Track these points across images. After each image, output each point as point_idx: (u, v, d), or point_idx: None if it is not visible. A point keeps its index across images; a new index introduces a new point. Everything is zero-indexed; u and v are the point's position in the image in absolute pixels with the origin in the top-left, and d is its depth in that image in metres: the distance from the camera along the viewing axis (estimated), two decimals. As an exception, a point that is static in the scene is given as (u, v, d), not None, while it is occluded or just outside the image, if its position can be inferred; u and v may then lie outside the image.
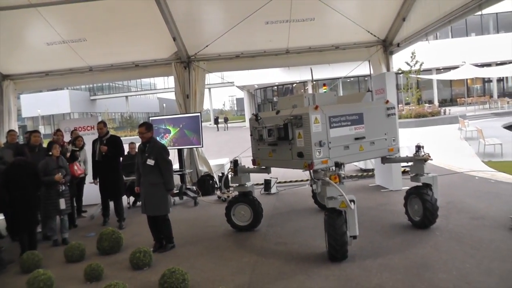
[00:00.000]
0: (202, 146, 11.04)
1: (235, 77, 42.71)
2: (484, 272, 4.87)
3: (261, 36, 10.96)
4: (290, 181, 11.78)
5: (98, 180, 8.90)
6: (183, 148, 11.14)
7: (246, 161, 7.98)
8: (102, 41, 10.75)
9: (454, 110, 34.25)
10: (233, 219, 7.60)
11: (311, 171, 6.26)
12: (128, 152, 10.44)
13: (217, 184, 11.44)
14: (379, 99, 8.91)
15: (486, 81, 44.91)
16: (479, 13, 7.60)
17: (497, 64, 39.05)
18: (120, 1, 9.24)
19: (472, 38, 42.81)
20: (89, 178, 9.73)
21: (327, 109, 6.26)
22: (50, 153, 7.71)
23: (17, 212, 7.01)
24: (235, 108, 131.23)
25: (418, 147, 6.90)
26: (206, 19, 10.78)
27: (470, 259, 5.29)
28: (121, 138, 9.56)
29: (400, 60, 29.84)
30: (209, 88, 63.67)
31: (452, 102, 44.50)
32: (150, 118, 11.74)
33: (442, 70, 40.97)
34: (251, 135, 7.46)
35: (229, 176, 8.12)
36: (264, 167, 7.50)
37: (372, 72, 11.03)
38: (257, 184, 9.09)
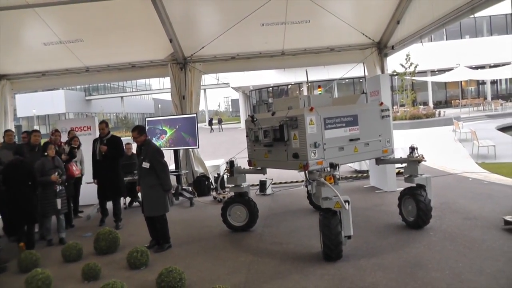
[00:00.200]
0: (198, 147, 11.09)
1: (230, 78, 42.80)
2: (477, 271, 4.96)
3: (257, 38, 11.04)
4: (285, 182, 11.86)
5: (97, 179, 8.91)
6: (179, 149, 11.19)
7: (242, 162, 8.06)
8: (99, 41, 10.80)
9: (448, 112, 34.45)
10: (229, 220, 7.66)
11: (306, 172, 6.33)
12: (125, 153, 10.46)
13: (212, 185, 11.50)
14: (373, 101, 9.01)
15: (480, 83, 45.19)
16: (472, 16, 7.70)
17: (491, 66, 39.35)
18: (117, 2, 9.27)
19: (466, 40, 43.09)
20: (85, 178, 9.77)
21: (322, 111, 6.35)
22: (46, 153, 7.76)
23: (14, 211, 7.06)
24: (230, 109, 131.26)
25: (412, 149, 6.99)
26: (202, 20, 10.86)
27: (463, 259, 5.38)
28: (117, 138, 9.60)
29: (395, 62, 30.02)
30: (204, 89, 63.66)
31: (446, 104, 44.74)
32: (146, 119, 11.77)
33: (436, 72, 41.20)
34: (247, 136, 7.53)
35: (225, 176, 8.20)
36: (259, 168, 7.58)
37: (366, 74, 11.13)
38: (252, 185, 9.15)
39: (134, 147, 8.05)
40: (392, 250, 5.94)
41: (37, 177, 7.44)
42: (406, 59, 32.36)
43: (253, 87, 49.41)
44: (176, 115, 11.40)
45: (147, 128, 11.14)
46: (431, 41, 40.33)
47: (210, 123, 52.87)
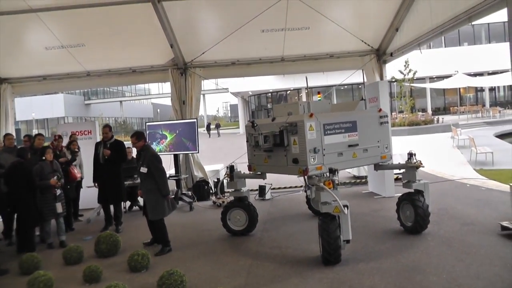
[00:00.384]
0: (198, 152, 11.16)
1: (229, 84, 42.92)
2: (474, 276, 5.03)
3: (257, 44, 11.13)
4: (284, 187, 11.93)
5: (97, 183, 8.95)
6: (179, 154, 11.25)
7: (241, 167, 8.13)
8: (100, 46, 10.89)
9: (447, 118, 34.61)
10: (229, 224, 7.73)
11: (306, 177, 6.40)
12: (125, 157, 10.55)
13: (212, 190, 11.56)
14: (372, 108, 9.10)
15: (479, 90, 45.40)
16: (470, 24, 7.82)
17: (489, 74, 39.56)
18: (119, 8, 9.36)
19: (464, 47, 43.38)
20: (85, 182, 9.81)
21: (322, 117, 6.43)
22: (44, 157, 7.85)
23: (14, 213, 7.14)
24: (229, 114, 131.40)
25: (410, 155, 7.07)
26: (203, 26, 10.95)
27: (460, 263, 5.45)
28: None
29: (393, 68, 30.17)
30: (203, 94, 63.79)
31: (445, 110, 44.94)
32: (147, 124, 11.84)
33: (435, 79, 41.40)
34: (247, 141, 7.60)
35: (225, 181, 8.27)
36: (259, 172, 7.66)
37: (365, 80, 11.22)
38: (251, 190, 9.21)
39: (134, 152, 8.13)
40: (390, 255, 6.01)
41: (36, 180, 7.52)
42: (405, 65, 32.54)
43: (252, 93, 49.55)
44: (177, 120, 11.47)
45: (147, 132, 11.24)
46: (430, 48, 40.55)
47: (208, 128, 52.88)
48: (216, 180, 11.63)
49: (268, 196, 10.80)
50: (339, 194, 5.74)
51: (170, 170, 11.72)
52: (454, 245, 6.18)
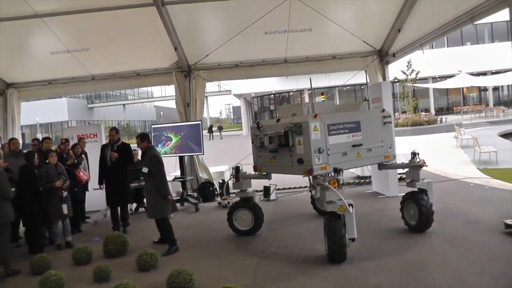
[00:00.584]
0: (203, 153, 11.26)
1: (232, 86, 43.03)
2: (477, 273, 5.11)
3: (260, 46, 11.21)
4: (289, 188, 12.02)
5: (104, 186, 9.04)
6: (184, 156, 11.36)
7: (246, 168, 8.22)
8: (105, 50, 11.00)
9: (450, 118, 34.58)
10: (235, 224, 7.82)
11: (311, 176, 6.49)
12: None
13: (217, 191, 11.65)
14: (375, 108, 9.18)
15: (482, 89, 45.33)
16: (472, 24, 7.88)
17: (493, 73, 39.47)
18: (124, 12, 9.48)
19: (467, 47, 43.27)
20: (91, 184, 9.92)
21: (326, 117, 6.51)
22: (47, 161, 7.99)
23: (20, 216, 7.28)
24: (232, 116, 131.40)
25: (414, 154, 7.15)
26: (206, 29, 11.06)
27: (464, 261, 5.53)
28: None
29: (396, 69, 30.19)
30: (206, 96, 63.90)
31: (448, 110, 44.87)
32: (152, 126, 11.95)
33: (438, 79, 41.35)
34: (252, 142, 7.70)
35: (230, 182, 8.36)
36: (265, 173, 7.75)
37: (368, 81, 11.27)
38: (256, 191, 9.30)
39: (140, 154, 8.25)
40: (394, 253, 6.09)
41: (39, 184, 7.66)
42: (407, 66, 32.52)
43: (254, 94, 49.63)
44: (181, 122, 11.58)
45: (152, 135, 11.35)
46: (432, 48, 40.51)
47: (210, 130, 52.91)
48: (221, 181, 11.73)
49: (273, 196, 10.88)
50: (343, 193, 5.84)
51: (175, 172, 11.86)
52: (458, 243, 6.25)
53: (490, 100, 44.50)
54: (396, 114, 34.65)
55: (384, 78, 11.46)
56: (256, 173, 7.88)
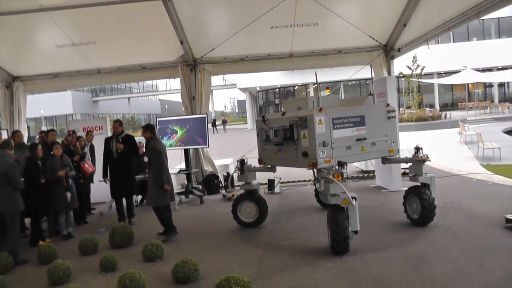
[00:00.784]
0: (208, 146, 11.34)
1: (237, 79, 43.05)
2: (478, 265, 5.19)
3: (266, 40, 11.25)
4: (293, 181, 12.10)
5: (108, 178, 9.14)
6: (189, 148, 11.45)
7: (251, 161, 8.30)
8: (110, 44, 11.08)
9: (455, 114, 34.48)
10: (239, 216, 7.92)
11: (315, 170, 6.57)
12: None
13: (222, 184, 11.76)
14: (380, 103, 9.24)
15: (487, 86, 45.16)
16: (478, 20, 7.89)
17: (498, 69, 39.33)
18: (130, 6, 9.53)
19: (473, 42, 43.07)
20: (96, 176, 10.02)
21: (331, 111, 6.58)
22: (52, 153, 8.13)
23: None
24: (236, 110, 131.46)
25: (417, 149, 7.21)
26: (212, 23, 11.11)
27: (465, 254, 5.61)
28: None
29: (401, 64, 30.13)
30: (211, 90, 63.84)
31: (453, 106, 44.74)
32: (158, 119, 12.05)
33: (443, 75, 41.27)
34: (257, 135, 7.78)
35: (235, 175, 8.45)
36: (269, 166, 7.83)
37: (373, 76, 11.31)
38: (261, 184, 9.38)
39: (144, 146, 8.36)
40: (397, 246, 6.17)
41: (48, 175, 7.80)
42: (413, 61, 32.45)
43: (259, 88, 49.65)
44: (187, 115, 11.67)
45: (158, 127, 11.45)
46: (438, 43, 40.36)
47: (214, 124, 52.94)
48: (225, 174, 11.83)
49: (277, 189, 10.97)
50: (347, 186, 5.92)
51: (180, 165, 11.96)
52: (459, 236, 6.33)
53: (495, 96, 44.36)
54: (401, 109, 34.59)
55: (389, 73, 11.49)
56: (261, 166, 7.96)
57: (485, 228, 6.62)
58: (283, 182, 11.61)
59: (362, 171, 12.56)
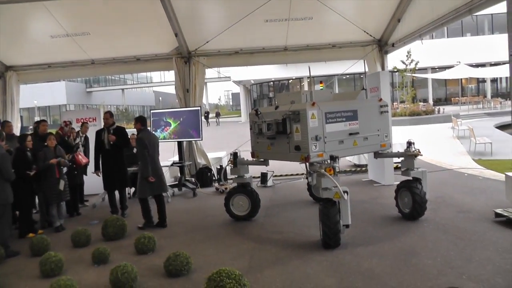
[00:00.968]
0: (202, 139, 11.35)
1: (231, 72, 42.97)
2: (466, 259, 5.25)
3: (261, 33, 11.25)
4: (286, 175, 12.14)
5: (100, 171, 9.14)
6: (182, 141, 11.45)
7: (244, 154, 8.32)
8: (105, 35, 11.03)
9: (448, 109, 34.68)
10: (232, 209, 7.94)
11: (307, 163, 6.61)
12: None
13: (215, 177, 11.78)
14: (373, 97, 9.28)
15: (481, 81, 45.41)
16: (471, 16, 7.94)
17: (491, 65, 39.54)
18: (125, -3, 9.54)
19: (467, 38, 43.25)
20: (91, 168, 10.00)
21: (324, 106, 6.60)
22: (46, 143, 8.12)
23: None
24: (231, 103, 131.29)
25: (409, 143, 7.25)
26: (207, 15, 11.08)
27: (454, 248, 5.68)
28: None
29: (395, 58, 30.19)
30: (205, 83, 63.68)
31: (446, 101, 44.99)
32: (151, 111, 12.04)
33: (437, 69, 41.43)
34: (250, 129, 7.80)
35: (228, 168, 8.48)
36: (262, 159, 7.86)
37: (367, 70, 11.35)
38: (254, 177, 9.42)
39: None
40: (387, 239, 6.23)
41: (40, 165, 7.80)
42: (407, 56, 32.51)
43: (254, 81, 49.61)
44: (180, 107, 11.66)
45: (152, 119, 11.45)
46: (432, 38, 40.47)
47: (207, 117, 52.77)
48: (219, 167, 11.85)
49: (270, 183, 11.01)
50: (339, 180, 5.96)
51: (174, 157, 11.97)
52: (449, 230, 6.40)
53: (488, 91, 44.65)
54: (394, 103, 34.73)
55: (383, 68, 11.54)
56: (254, 159, 7.99)
57: (475, 222, 6.70)
58: (276, 176, 11.65)
59: (355, 165, 12.63)
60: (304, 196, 9.19)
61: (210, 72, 13.91)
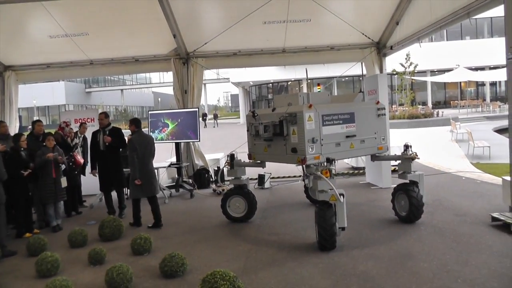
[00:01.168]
0: (199, 140, 11.35)
1: (230, 74, 42.98)
2: (462, 263, 5.25)
3: (259, 35, 11.27)
4: (283, 177, 12.14)
5: (97, 171, 9.11)
6: (180, 142, 11.45)
7: (241, 156, 8.33)
8: (103, 35, 11.04)
9: (447, 112, 34.73)
10: (228, 211, 7.94)
11: (304, 166, 6.60)
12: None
13: (212, 178, 11.77)
14: (370, 100, 9.29)
15: (480, 84, 45.46)
16: (472, 18, 7.98)
17: (491, 68, 39.57)
18: (124, -2, 9.54)
19: (466, 41, 43.32)
20: (88, 168, 9.99)
21: (321, 108, 6.60)
22: (44, 144, 8.14)
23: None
24: (230, 104, 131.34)
25: (406, 146, 7.27)
26: (205, 17, 11.10)
27: (450, 251, 5.67)
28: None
29: (395, 61, 30.23)
30: (204, 84, 63.74)
31: (445, 104, 45.03)
32: (149, 112, 12.04)
33: (436, 72, 41.46)
34: (247, 130, 7.80)
35: (225, 170, 8.49)
36: (259, 161, 7.86)
37: (365, 73, 11.36)
38: (251, 179, 9.42)
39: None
40: (384, 242, 6.23)
41: (37, 162, 7.81)
42: (406, 58, 32.56)
43: (253, 83, 49.61)
44: (178, 109, 11.66)
45: (149, 120, 11.45)
46: (432, 41, 40.54)
47: (204, 118, 52.63)
48: (216, 168, 11.85)
49: (267, 185, 11.01)
50: (335, 183, 5.96)
51: (171, 158, 11.97)
52: (446, 234, 6.39)
53: (487, 95, 44.69)
54: (393, 106, 34.79)
55: (381, 70, 11.56)
56: (251, 161, 7.99)
57: (471, 226, 6.69)
58: (273, 178, 11.65)
59: (353, 168, 12.63)
60: (301, 198, 9.19)
61: (209, 73, 13.96)
